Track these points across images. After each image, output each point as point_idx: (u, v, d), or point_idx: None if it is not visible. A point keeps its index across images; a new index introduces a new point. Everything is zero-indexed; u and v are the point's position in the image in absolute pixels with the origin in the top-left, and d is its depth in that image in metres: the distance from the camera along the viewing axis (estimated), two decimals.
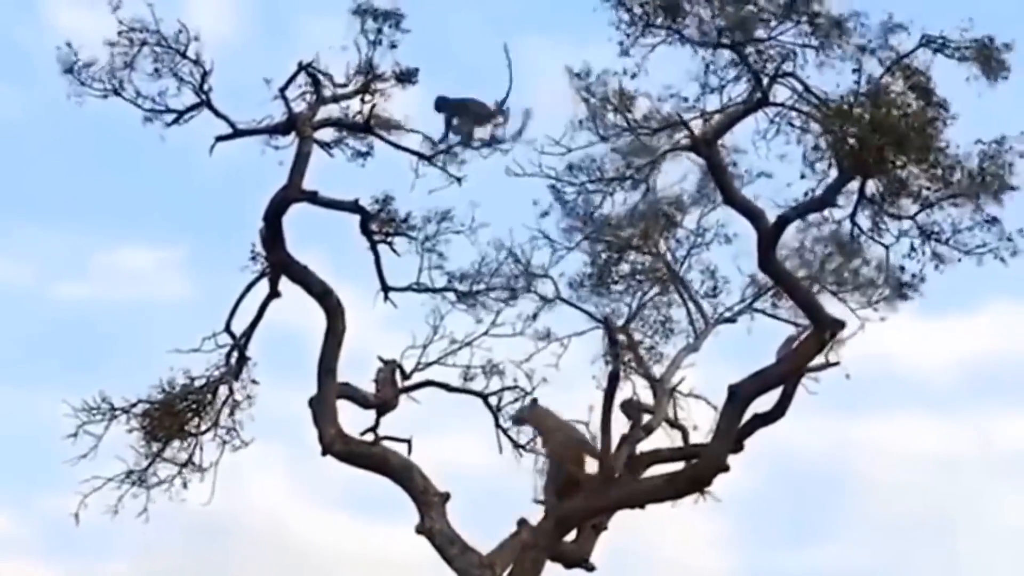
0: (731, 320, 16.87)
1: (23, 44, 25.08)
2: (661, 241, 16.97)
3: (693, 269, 17.01)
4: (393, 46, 15.42)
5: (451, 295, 16.15)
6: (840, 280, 16.23)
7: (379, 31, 15.36)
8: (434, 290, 16.05)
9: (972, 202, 14.28)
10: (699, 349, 16.57)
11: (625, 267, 17.05)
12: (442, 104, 15.82)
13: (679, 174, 16.17)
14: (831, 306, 15.76)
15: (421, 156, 15.90)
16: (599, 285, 16.89)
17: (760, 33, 14.29)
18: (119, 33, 14.98)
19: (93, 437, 15.27)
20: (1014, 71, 14.01)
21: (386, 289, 15.82)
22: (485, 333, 16.19)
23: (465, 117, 15.78)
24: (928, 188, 14.25)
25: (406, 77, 15.65)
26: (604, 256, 16.87)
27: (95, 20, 15.22)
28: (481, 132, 15.75)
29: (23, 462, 21.76)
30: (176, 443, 15.57)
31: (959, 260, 14.65)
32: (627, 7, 14.30)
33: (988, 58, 14.02)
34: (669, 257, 17.01)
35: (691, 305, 16.77)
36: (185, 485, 15.59)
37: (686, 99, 14.74)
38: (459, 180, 15.83)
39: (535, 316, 16.58)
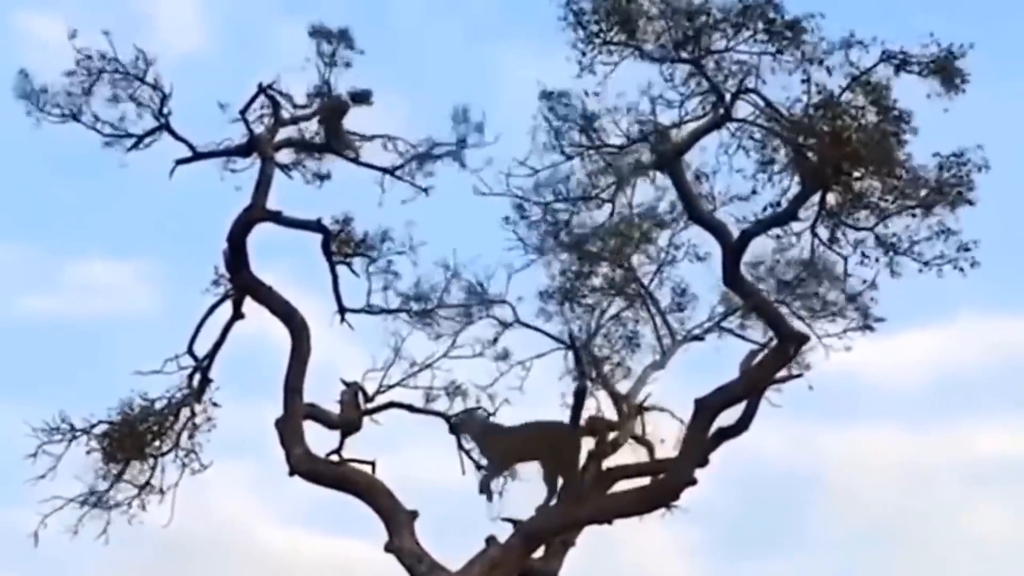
0: (699, 338, 16.86)
1: None
2: (633, 256, 16.97)
3: (664, 285, 17.01)
4: (347, 65, 15.57)
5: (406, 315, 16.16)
6: (808, 307, 16.27)
7: (334, 53, 15.50)
8: (388, 311, 16.08)
9: (929, 214, 14.34)
10: (665, 366, 16.56)
11: (596, 280, 17.05)
12: None
13: (648, 191, 16.19)
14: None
15: (385, 171, 15.99)
16: (568, 298, 16.88)
17: (719, 44, 14.31)
18: (76, 63, 15.02)
19: (53, 457, 15.37)
20: (973, 83, 14.08)
21: (343, 311, 15.85)
22: (444, 355, 16.23)
23: None
24: (886, 200, 14.30)
25: (361, 98, 15.75)
26: (575, 269, 16.86)
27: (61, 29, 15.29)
28: None
29: None
30: (136, 464, 15.61)
31: (920, 271, 14.70)
32: (583, 26, 14.30)
33: (949, 72, 14.06)
34: (640, 272, 17.01)
35: (659, 321, 16.75)
36: (144, 507, 15.64)
37: (643, 111, 14.80)
38: (426, 191, 15.96)
39: (495, 340, 16.55)
